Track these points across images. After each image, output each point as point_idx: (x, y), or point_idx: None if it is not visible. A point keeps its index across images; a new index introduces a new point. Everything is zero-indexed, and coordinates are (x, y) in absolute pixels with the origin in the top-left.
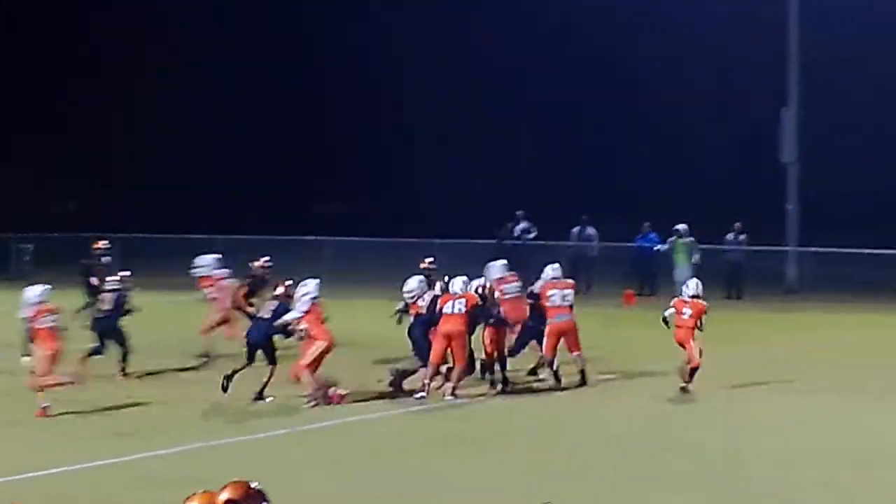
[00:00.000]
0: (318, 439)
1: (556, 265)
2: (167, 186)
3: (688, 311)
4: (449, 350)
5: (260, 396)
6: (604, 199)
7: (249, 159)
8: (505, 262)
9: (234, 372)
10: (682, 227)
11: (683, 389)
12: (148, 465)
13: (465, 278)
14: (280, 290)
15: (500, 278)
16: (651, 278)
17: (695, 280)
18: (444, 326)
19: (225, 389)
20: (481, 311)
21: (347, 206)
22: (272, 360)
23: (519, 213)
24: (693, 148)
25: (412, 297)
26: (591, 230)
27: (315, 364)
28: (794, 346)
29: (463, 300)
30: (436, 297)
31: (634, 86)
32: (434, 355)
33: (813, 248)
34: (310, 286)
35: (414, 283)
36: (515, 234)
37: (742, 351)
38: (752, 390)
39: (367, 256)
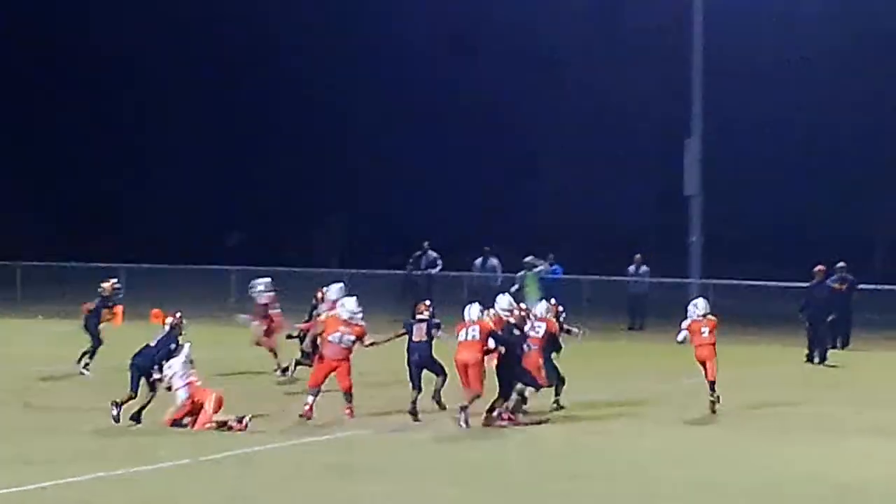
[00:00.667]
0: (220, 469)
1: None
2: (68, 214)
3: (706, 330)
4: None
5: (137, 418)
6: (507, 231)
7: (156, 188)
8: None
9: (123, 402)
10: (529, 259)
11: (713, 406)
12: (49, 494)
13: (478, 306)
14: (170, 320)
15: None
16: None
17: (702, 299)
18: (458, 355)
19: (116, 419)
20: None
21: (251, 237)
22: (152, 388)
23: (425, 243)
24: (597, 180)
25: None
26: (494, 261)
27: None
28: (700, 377)
29: (477, 327)
30: (411, 325)
31: (538, 118)
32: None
33: (715, 280)
34: (182, 355)
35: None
36: (423, 266)
37: (646, 382)
38: (656, 421)
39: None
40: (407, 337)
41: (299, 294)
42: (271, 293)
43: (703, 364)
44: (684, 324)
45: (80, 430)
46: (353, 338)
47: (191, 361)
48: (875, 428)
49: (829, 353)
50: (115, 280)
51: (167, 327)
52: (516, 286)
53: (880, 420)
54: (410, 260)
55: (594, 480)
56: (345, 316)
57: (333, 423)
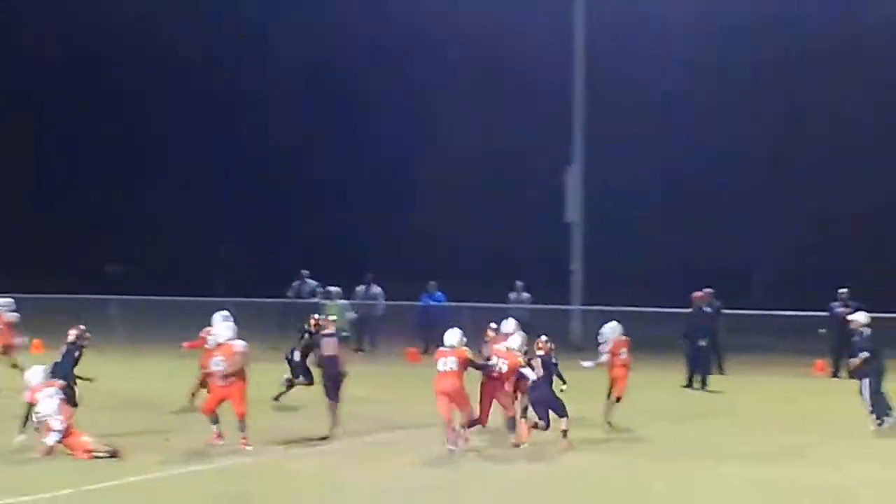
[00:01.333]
0: (106, 499)
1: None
2: None
3: (624, 351)
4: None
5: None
6: (389, 259)
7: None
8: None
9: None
10: (333, 289)
11: (610, 424)
12: None
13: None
14: (73, 332)
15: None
16: (436, 337)
17: (613, 322)
18: (438, 384)
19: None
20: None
21: (134, 265)
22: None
23: (305, 272)
24: (479, 207)
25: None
26: (376, 289)
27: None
28: (582, 404)
29: (454, 358)
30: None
31: (421, 142)
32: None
33: (597, 307)
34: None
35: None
36: (304, 294)
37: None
38: (532, 447)
39: (155, 315)
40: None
41: (195, 322)
42: (13, 314)
43: (617, 383)
44: (605, 347)
45: None
46: (224, 361)
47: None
48: (755, 454)
49: (709, 378)
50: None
51: (70, 339)
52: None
53: (760, 445)
54: (289, 289)
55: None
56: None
57: (222, 451)
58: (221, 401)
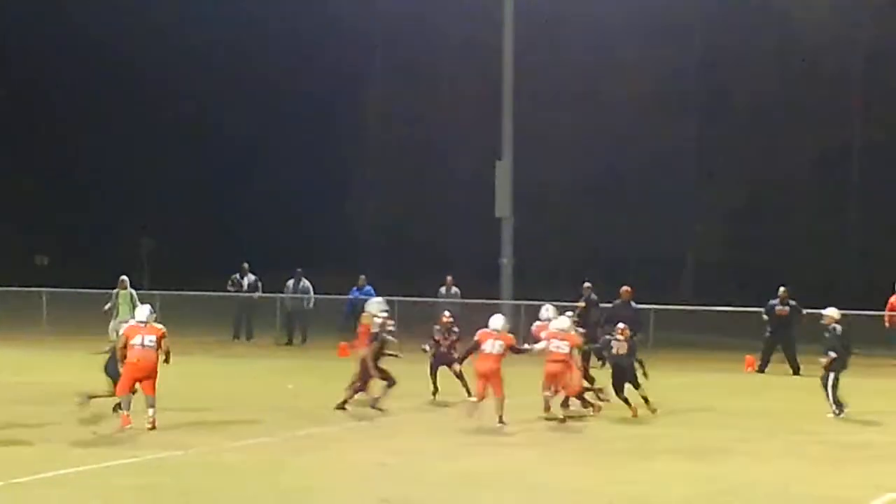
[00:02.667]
0: (26, 492)
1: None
2: None
3: (564, 344)
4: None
5: None
6: (320, 253)
7: None
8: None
9: None
10: (124, 277)
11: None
12: None
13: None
14: None
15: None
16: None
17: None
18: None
19: None
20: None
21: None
22: None
23: (245, 265)
24: (409, 201)
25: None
26: (306, 282)
27: None
28: (520, 398)
29: (501, 341)
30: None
31: (349, 131)
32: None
33: (526, 302)
34: None
35: None
36: (245, 287)
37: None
38: (471, 445)
39: (83, 307)
40: None
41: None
42: None
43: (557, 379)
44: (543, 333)
45: None
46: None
47: None
48: (682, 448)
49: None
50: None
51: None
52: (109, 304)
53: (686, 440)
54: (231, 282)
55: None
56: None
57: (145, 443)
58: (135, 382)
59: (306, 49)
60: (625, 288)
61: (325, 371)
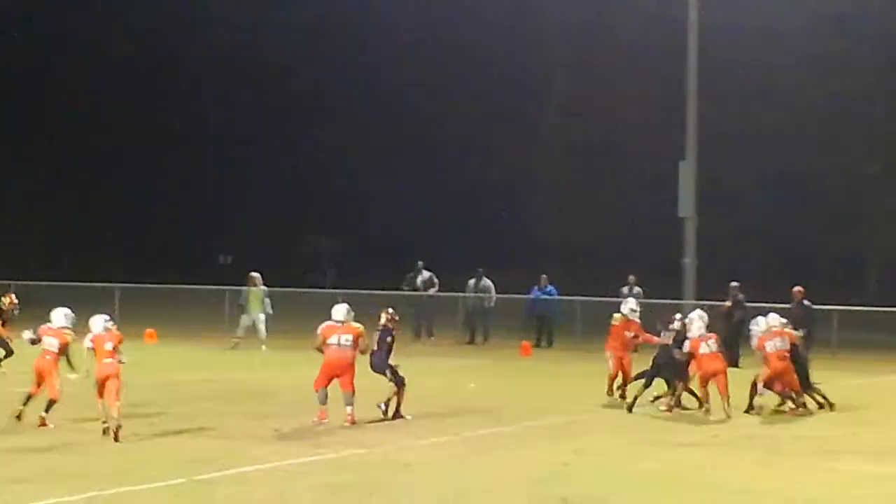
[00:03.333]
0: (217, 489)
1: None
2: None
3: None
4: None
5: None
6: (500, 252)
7: None
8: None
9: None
10: (254, 274)
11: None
12: None
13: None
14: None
15: None
16: (548, 330)
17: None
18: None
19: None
20: None
21: None
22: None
23: (420, 263)
24: (590, 201)
25: None
26: (487, 281)
27: None
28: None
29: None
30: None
31: (530, 131)
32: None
33: (709, 302)
34: None
35: None
36: (418, 285)
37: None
38: (652, 445)
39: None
40: None
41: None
42: None
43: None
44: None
45: None
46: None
47: None
48: (865, 449)
49: None
50: (13, 295)
51: None
52: (242, 300)
53: (869, 442)
54: (406, 280)
55: None
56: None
57: (328, 441)
58: (332, 379)
59: (486, 52)
60: (797, 288)
61: (506, 370)
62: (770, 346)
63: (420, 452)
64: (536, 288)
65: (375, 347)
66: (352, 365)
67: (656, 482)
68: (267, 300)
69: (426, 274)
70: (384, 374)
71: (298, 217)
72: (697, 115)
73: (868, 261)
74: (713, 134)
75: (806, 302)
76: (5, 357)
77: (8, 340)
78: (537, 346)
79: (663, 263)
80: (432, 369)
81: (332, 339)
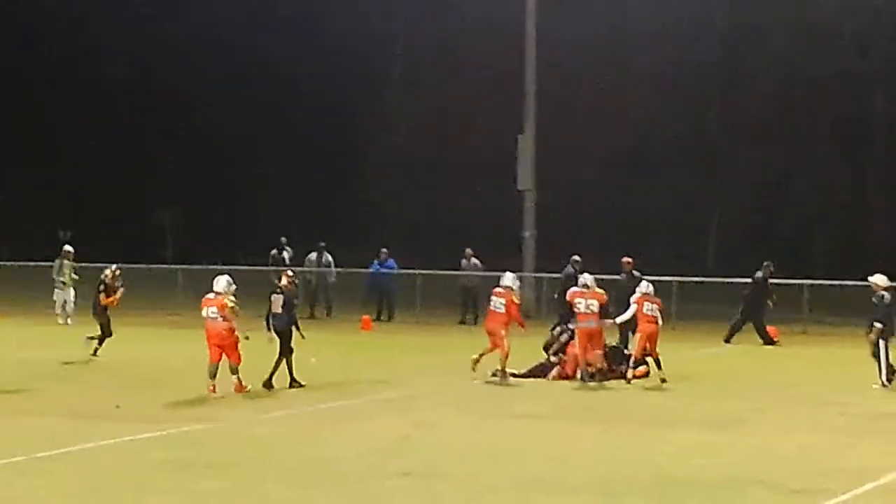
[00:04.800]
0: (54, 467)
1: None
2: None
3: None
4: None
5: None
6: (341, 227)
7: None
8: None
9: None
10: (69, 248)
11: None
12: None
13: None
14: None
15: None
16: (388, 304)
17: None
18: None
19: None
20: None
21: None
22: None
23: (283, 239)
24: (431, 176)
25: None
26: (328, 256)
27: None
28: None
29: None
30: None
31: (371, 108)
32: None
33: (549, 274)
34: None
35: None
36: (287, 262)
37: (476, 376)
38: (492, 417)
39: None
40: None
41: None
42: None
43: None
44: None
45: None
46: None
47: None
48: (703, 419)
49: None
50: (115, 267)
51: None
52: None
53: (707, 411)
54: (271, 258)
55: (427, 476)
56: None
57: (169, 417)
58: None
59: (325, 24)
60: (626, 259)
61: (347, 344)
62: (646, 308)
63: (263, 426)
64: (376, 262)
65: (280, 310)
66: (225, 335)
67: (497, 454)
68: (75, 276)
69: (290, 251)
70: (286, 335)
71: (141, 190)
72: (536, 88)
73: (708, 233)
74: (553, 107)
75: (636, 272)
76: (102, 340)
77: (109, 318)
78: (378, 319)
79: (504, 236)
80: (275, 344)
81: (203, 312)
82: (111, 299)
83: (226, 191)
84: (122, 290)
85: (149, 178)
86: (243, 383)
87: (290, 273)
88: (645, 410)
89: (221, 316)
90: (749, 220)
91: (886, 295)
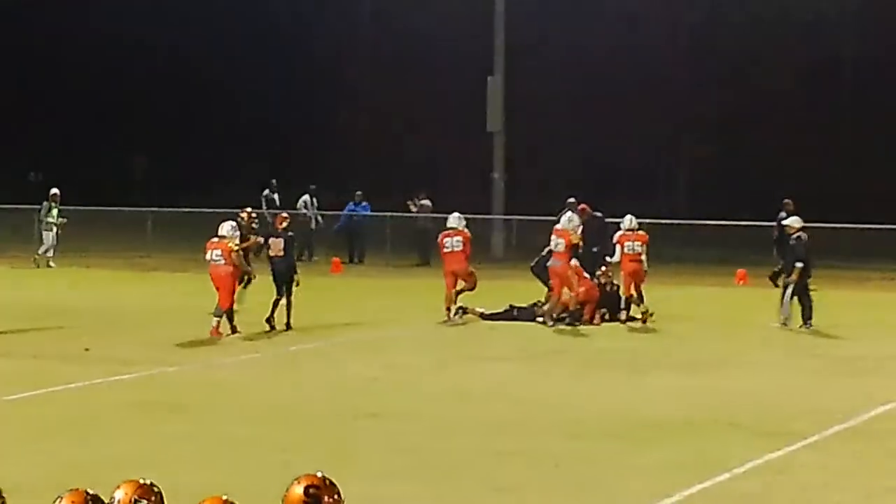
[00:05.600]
0: (16, 408)
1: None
2: None
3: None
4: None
5: None
6: (316, 170)
7: None
8: None
9: None
10: (55, 190)
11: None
12: None
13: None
14: None
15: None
16: (360, 246)
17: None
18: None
19: None
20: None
21: None
22: None
23: (273, 181)
24: (399, 118)
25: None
26: (306, 197)
27: None
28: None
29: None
30: None
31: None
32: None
33: (518, 217)
34: None
35: None
36: (278, 205)
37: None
38: (461, 359)
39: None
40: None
41: None
42: None
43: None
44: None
45: None
46: None
47: None
48: (675, 362)
49: None
50: (250, 209)
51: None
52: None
53: (679, 354)
54: (264, 200)
55: (394, 418)
56: None
57: (137, 360)
58: None
59: None
60: (582, 206)
61: (317, 287)
62: (627, 248)
63: (230, 370)
64: (352, 203)
65: (282, 253)
66: (224, 278)
67: (466, 396)
68: (62, 218)
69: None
70: (290, 281)
71: (112, 134)
72: (505, 31)
73: (678, 175)
74: (522, 50)
75: (598, 213)
76: (247, 285)
77: (250, 266)
78: (349, 262)
79: (473, 178)
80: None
81: (207, 255)
82: (248, 244)
83: (196, 137)
84: (257, 238)
85: (121, 123)
86: (220, 330)
87: (284, 214)
88: (618, 354)
89: (224, 259)
90: (717, 164)
91: (803, 235)
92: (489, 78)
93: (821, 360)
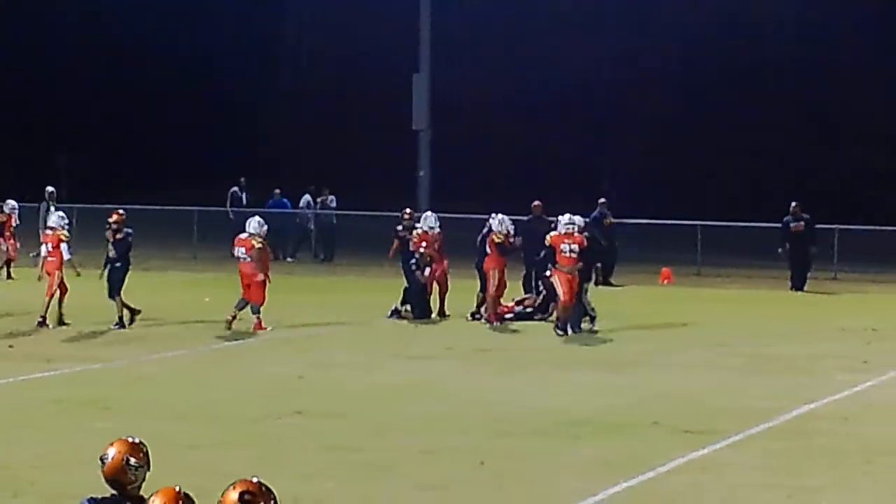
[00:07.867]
0: None
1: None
2: None
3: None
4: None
5: None
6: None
7: None
8: None
9: None
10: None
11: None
12: None
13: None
14: None
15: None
16: (285, 243)
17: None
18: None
19: None
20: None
21: None
22: None
23: (242, 180)
24: (321, 115)
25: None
26: (307, 197)
27: None
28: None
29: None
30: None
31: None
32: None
33: (446, 214)
34: None
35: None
36: (245, 204)
37: (365, 318)
38: (388, 357)
39: None
40: None
41: None
42: None
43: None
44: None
45: None
46: None
47: None
48: (601, 360)
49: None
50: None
51: None
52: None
53: (605, 352)
54: (230, 197)
55: (319, 416)
56: None
57: (62, 357)
58: None
59: None
60: (535, 203)
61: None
62: (563, 249)
63: (156, 366)
64: (271, 200)
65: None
66: (251, 275)
67: (392, 394)
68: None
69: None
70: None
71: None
72: (431, 27)
73: (604, 172)
74: (449, 46)
75: (546, 217)
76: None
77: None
78: (274, 259)
79: (398, 176)
80: (167, 283)
81: (234, 252)
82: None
83: (122, 134)
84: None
85: (46, 119)
86: (263, 324)
87: (121, 212)
88: (544, 352)
89: (249, 256)
90: (646, 163)
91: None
92: (415, 75)
93: (743, 359)
